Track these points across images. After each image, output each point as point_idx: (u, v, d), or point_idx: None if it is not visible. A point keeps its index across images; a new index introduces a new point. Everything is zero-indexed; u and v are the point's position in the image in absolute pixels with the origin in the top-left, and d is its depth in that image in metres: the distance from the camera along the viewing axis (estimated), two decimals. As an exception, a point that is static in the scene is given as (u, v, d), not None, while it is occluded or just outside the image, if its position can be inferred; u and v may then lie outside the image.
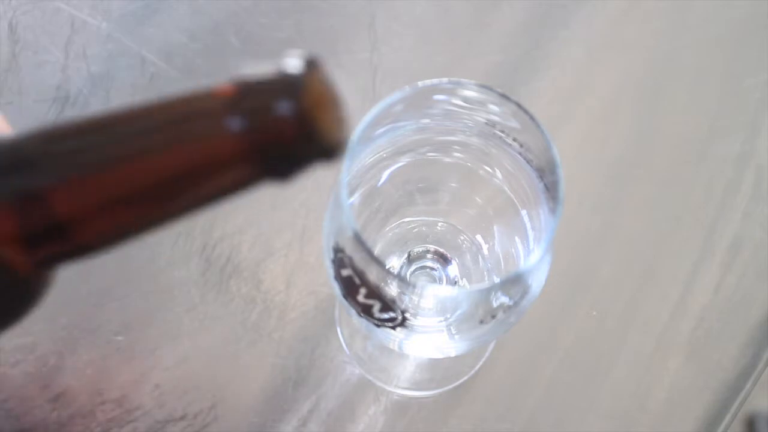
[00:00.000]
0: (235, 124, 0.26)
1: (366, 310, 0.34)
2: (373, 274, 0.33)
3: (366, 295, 0.34)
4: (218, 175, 0.27)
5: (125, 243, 0.28)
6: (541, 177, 0.36)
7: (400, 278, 0.32)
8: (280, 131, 0.26)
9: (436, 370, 0.46)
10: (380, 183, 0.39)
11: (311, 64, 0.27)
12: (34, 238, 0.27)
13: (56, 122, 0.28)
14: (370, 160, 0.37)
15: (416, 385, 0.45)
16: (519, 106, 0.34)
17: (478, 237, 0.42)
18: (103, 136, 0.27)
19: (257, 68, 0.26)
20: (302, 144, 0.26)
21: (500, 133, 0.37)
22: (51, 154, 0.27)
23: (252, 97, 0.26)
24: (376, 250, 0.41)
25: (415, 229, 0.42)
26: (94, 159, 0.27)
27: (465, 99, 0.35)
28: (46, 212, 0.27)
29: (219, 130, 0.26)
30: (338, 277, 0.35)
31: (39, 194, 0.27)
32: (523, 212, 0.39)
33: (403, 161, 0.39)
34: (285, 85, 0.26)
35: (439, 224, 0.42)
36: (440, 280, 0.42)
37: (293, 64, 0.26)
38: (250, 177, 0.27)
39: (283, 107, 0.26)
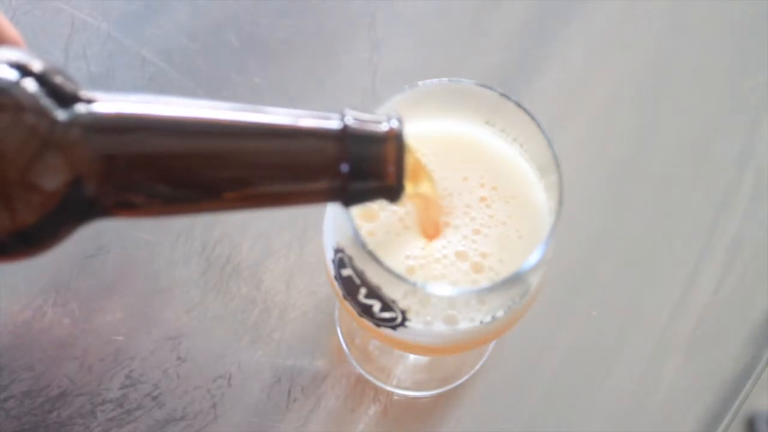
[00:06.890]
0: (344, 168, 0.29)
1: (366, 310, 0.34)
2: (373, 274, 0.33)
3: (366, 295, 0.34)
4: (302, 199, 0.30)
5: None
6: (541, 177, 0.36)
7: (401, 277, 0.32)
8: (381, 183, 0.30)
9: (436, 370, 0.46)
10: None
11: (401, 121, 0.30)
12: None
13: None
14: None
15: (416, 385, 0.45)
16: (519, 106, 0.34)
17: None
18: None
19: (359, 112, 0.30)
20: (386, 192, 0.30)
21: (500, 133, 0.37)
22: None
23: (361, 147, 0.29)
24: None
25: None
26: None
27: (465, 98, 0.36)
28: None
29: (329, 174, 0.29)
30: (338, 277, 0.35)
31: None
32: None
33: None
34: (392, 146, 0.29)
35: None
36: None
37: (393, 121, 0.30)
38: (321, 201, 0.30)
39: (390, 169, 0.29)
